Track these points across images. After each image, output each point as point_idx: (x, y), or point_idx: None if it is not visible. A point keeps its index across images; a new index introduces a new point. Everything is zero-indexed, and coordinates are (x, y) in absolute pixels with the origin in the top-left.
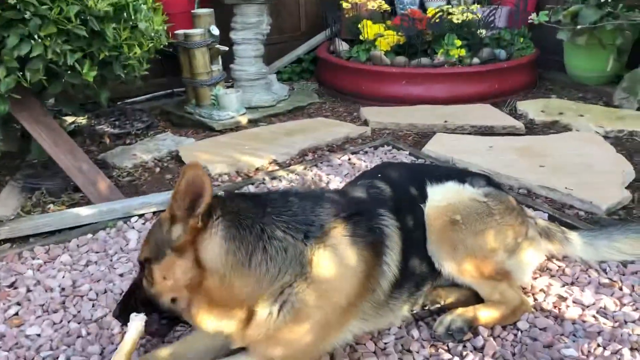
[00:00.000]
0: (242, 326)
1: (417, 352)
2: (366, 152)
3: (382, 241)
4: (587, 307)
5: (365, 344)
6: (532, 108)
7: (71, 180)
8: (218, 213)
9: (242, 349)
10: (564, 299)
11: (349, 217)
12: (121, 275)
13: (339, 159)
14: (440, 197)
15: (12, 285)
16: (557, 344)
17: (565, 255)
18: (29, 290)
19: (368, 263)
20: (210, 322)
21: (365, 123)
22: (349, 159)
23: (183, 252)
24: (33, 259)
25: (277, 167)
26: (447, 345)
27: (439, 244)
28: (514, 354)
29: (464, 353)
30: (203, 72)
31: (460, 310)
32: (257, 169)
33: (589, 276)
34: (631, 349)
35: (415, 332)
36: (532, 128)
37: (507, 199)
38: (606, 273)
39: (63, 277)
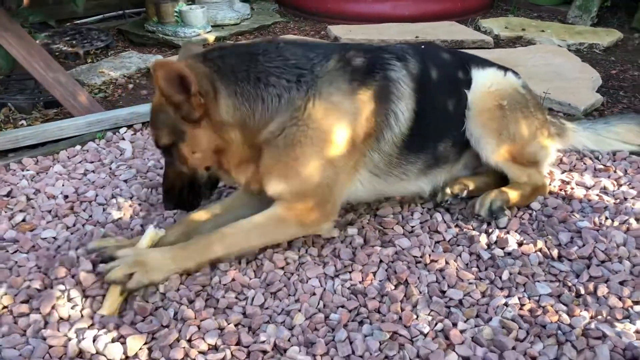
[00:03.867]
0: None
1: (445, 232)
2: None
3: (386, 88)
4: (590, 188)
5: (393, 228)
6: (496, 25)
7: (42, 96)
8: (215, 77)
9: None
10: (567, 182)
11: (346, 60)
12: (126, 181)
13: None
14: (489, 82)
15: (8, 195)
16: (571, 218)
17: (572, 147)
18: (29, 199)
19: (365, 104)
20: (242, 173)
21: (335, 40)
22: None
23: (200, 124)
24: (22, 170)
25: None
26: (471, 225)
27: (485, 127)
28: (533, 230)
29: (490, 230)
30: None
31: (495, 191)
32: None
33: (585, 164)
34: (636, 219)
35: (438, 216)
36: (498, 42)
37: (537, 96)
38: (599, 160)
39: (63, 185)
